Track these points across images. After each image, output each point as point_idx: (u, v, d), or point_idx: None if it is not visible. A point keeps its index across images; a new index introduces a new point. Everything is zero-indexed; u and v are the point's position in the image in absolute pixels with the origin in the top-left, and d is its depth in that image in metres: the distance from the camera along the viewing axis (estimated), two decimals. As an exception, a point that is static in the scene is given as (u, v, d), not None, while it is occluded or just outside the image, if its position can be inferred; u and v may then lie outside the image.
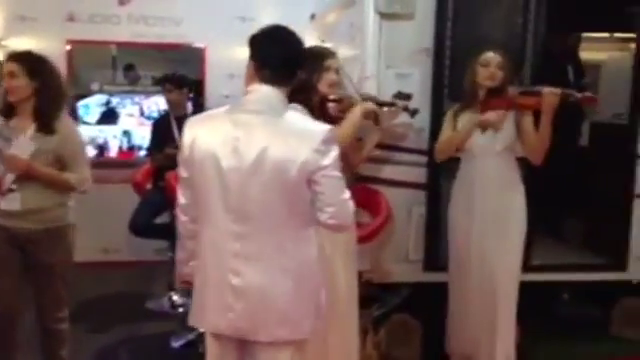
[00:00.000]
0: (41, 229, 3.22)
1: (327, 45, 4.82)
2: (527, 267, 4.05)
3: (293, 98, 3.07)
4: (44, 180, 3.20)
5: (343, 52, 4.30)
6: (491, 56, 3.43)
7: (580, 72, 5.26)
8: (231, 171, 2.19)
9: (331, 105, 3.25)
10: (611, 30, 5.27)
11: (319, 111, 3.15)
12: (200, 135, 2.26)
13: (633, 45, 4.31)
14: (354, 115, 3.14)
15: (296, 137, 2.19)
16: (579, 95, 3.43)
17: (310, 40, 5.28)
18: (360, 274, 3.93)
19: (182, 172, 2.36)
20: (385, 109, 3.53)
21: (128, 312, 4.92)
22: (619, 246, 4.29)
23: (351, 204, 2.29)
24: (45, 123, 3.18)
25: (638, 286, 4.35)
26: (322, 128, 2.25)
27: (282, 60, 2.27)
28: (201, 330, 3.87)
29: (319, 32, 5.58)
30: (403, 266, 4.09)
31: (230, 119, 2.25)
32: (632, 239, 4.26)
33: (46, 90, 3.19)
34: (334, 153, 2.21)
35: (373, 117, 3.24)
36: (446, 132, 3.61)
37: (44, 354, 3.46)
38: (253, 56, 2.29)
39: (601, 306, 4.55)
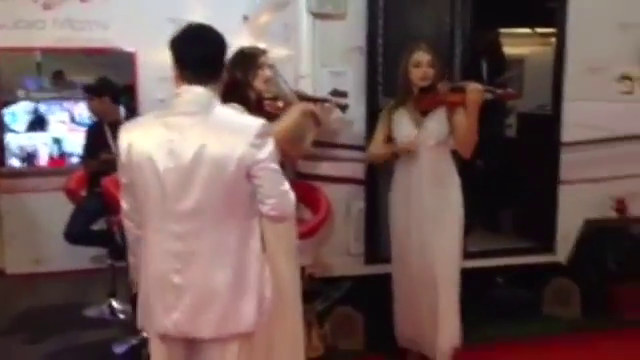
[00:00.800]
0: None
1: (260, 45, 4.88)
2: (464, 254, 4.25)
3: (230, 98, 3.15)
4: None
5: (277, 52, 4.37)
6: (422, 55, 3.56)
7: (502, 67, 5.45)
8: (168, 172, 2.20)
9: (267, 103, 3.32)
10: (534, 26, 5.50)
11: (256, 109, 3.21)
12: (135, 140, 2.26)
13: (554, 40, 4.53)
14: (293, 113, 3.23)
15: (231, 133, 2.22)
16: (499, 91, 3.64)
17: (243, 41, 5.36)
18: (302, 269, 4.03)
19: (122, 178, 2.35)
20: (318, 105, 3.62)
21: (65, 322, 4.80)
22: (547, 230, 4.50)
23: (291, 195, 2.33)
24: None
25: (566, 267, 4.58)
26: (256, 122, 2.28)
27: (202, 59, 2.29)
28: (144, 334, 3.89)
29: (252, 33, 5.62)
30: (344, 260, 4.17)
31: (162, 122, 2.26)
32: (558, 223, 4.47)
33: None
34: (270, 146, 2.25)
35: (313, 117, 3.31)
36: (378, 136, 3.73)
37: None
38: (174, 58, 2.30)
39: (533, 288, 4.76)
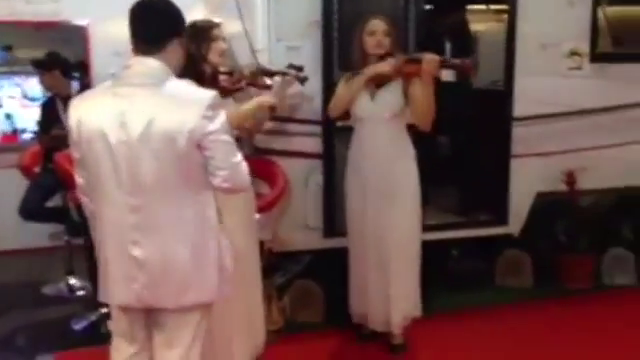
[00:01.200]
0: None
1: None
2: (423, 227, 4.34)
3: (184, 73, 3.13)
4: None
5: (233, 27, 4.35)
6: (377, 24, 3.55)
7: (468, 48, 5.31)
8: (120, 145, 2.19)
9: (222, 77, 3.31)
10: (487, 2, 5.55)
11: (211, 84, 3.20)
12: (85, 114, 2.25)
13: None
14: (250, 108, 3.27)
15: (182, 105, 2.22)
16: (457, 61, 3.62)
17: (199, 16, 5.30)
18: (261, 244, 4.06)
19: (74, 153, 2.35)
20: (278, 78, 3.63)
21: (23, 300, 4.78)
22: (500, 203, 4.61)
23: (244, 166, 2.34)
24: None
25: (517, 239, 4.71)
26: (207, 94, 2.27)
27: (147, 28, 2.29)
28: (103, 310, 3.89)
29: (208, 8, 5.56)
30: (303, 234, 4.21)
31: (113, 94, 2.25)
32: (511, 196, 4.59)
33: None
34: (221, 118, 2.25)
35: (271, 109, 3.34)
36: (340, 96, 3.70)
37: None
38: (130, 29, 2.30)
39: (486, 259, 4.90)
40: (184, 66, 3.12)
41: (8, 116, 5.93)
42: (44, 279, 5.03)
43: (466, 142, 5.02)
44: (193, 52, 3.17)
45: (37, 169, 4.90)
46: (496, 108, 4.62)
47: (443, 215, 4.76)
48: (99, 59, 5.68)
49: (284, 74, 3.65)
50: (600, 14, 4.52)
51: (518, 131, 4.51)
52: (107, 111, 2.21)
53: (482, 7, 5.83)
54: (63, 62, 4.81)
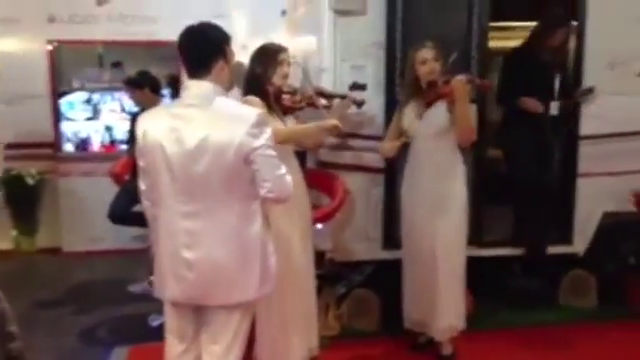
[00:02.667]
0: None
1: (297, 38, 5.16)
2: (479, 243, 4.40)
3: (249, 90, 3.43)
4: None
5: (309, 45, 4.63)
6: (427, 52, 3.73)
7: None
8: (176, 157, 2.47)
9: (285, 97, 3.56)
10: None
11: (275, 102, 3.47)
12: (149, 128, 2.56)
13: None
14: (311, 128, 3.50)
15: (230, 122, 2.48)
16: (477, 81, 3.82)
17: (282, 34, 5.67)
18: (323, 254, 4.29)
19: (140, 161, 2.65)
20: (335, 101, 3.84)
21: (111, 296, 5.23)
22: (565, 221, 4.60)
23: (288, 178, 2.56)
24: None
25: (583, 258, 4.66)
26: (253, 112, 2.53)
27: (193, 54, 2.55)
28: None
29: (289, 27, 5.89)
30: (364, 245, 4.39)
31: (171, 113, 2.55)
32: (576, 215, 4.57)
33: None
34: (266, 134, 2.49)
35: (334, 130, 3.52)
36: (391, 132, 3.95)
37: None
38: (180, 55, 2.58)
39: (551, 278, 4.85)
40: (249, 85, 3.46)
41: (107, 128, 6.51)
42: (132, 278, 5.44)
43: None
44: (259, 73, 3.45)
45: (127, 177, 5.34)
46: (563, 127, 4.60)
47: (508, 231, 4.77)
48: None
49: (342, 97, 3.86)
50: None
51: (585, 149, 4.49)
52: (165, 127, 2.51)
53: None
54: (152, 80, 5.21)
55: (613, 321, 4.52)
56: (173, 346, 2.72)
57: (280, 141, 3.05)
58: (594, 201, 4.55)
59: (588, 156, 4.50)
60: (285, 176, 2.56)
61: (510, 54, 4.67)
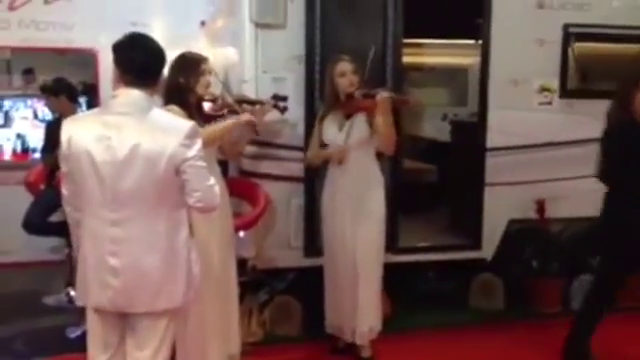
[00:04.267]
0: None
1: (217, 49, 5.21)
2: (395, 250, 4.60)
3: (171, 99, 3.46)
4: None
5: (229, 57, 4.70)
6: (345, 65, 3.90)
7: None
8: (105, 166, 2.49)
9: (206, 105, 3.62)
10: (459, 37, 5.86)
11: (196, 110, 3.52)
12: (75, 134, 2.55)
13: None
14: (229, 123, 3.53)
15: (163, 133, 2.52)
16: (402, 98, 4.09)
17: (200, 45, 5.68)
18: (245, 261, 4.36)
19: (63, 167, 2.64)
20: (257, 107, 3.93)
21: (25, 309, 5.08)
22: (474, 228, 4.87)
23: (216, 189, 2.64)
24: None
25: (490, 263, 4.96)
26: (186, 124, 2.59)
27: (144, 66, 2.58)
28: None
29: (208, 38, 5.93)
30: (286, 253, 4.50)
31: (101, 120, 2.55)
32: (484, 222, 4.85)
33: None
34: (197, 145, 2.56)
35: (251, 126, 3.62)
36: (314, 142, 4.09)
37: None
38: (117, 62, 2.59)
39: (460, 282, 5.12)
40: (171, 94, 3.50)
41: (20, 136, 6.31)
42: (47, 290, 5.32)
43: (444, 169, 5.29)
44: (181, 82, 3.48)
45: (42, 186, 5.22)
46: (472, 138, 4.89)
47: (422, 237, 5.01)
48: (107, 83, 6.07)
49: (261, 103, 3.96)
50: (569, 52, 4.79)
51: (491, 161, 4.78)
52: (95, 134, 2.51)
53: (471, 42, 6.16)
54: (69, 87, 5.14)
55: (519, 321, 4.83)
56: (97, 354, 2.71)
57: (207, 144, 3.09)
58: (500, 209, 4.84)
59: (494, 167, 4.79)
60: (214, 186, 2.63)
61: (614, 127, 3.89)
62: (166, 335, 2.69)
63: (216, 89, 3.85)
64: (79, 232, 2.70)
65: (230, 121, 3.55)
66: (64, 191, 2.71)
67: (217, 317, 3.54)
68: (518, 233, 4.92)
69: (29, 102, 6.30)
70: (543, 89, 4.83)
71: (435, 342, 4.46)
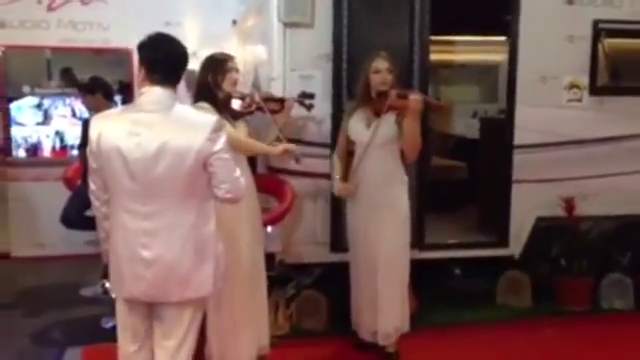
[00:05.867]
0: None
1: (247, 47, 5.32)
2: (422, 246, 4.63)
3: (200, 97, 3.58)
4: None
5: (261, 55, 4.80)
6: (381, 62, 3.92)
7: None
8: (136, 161, 2.58)
9: (235, 102, 3.72)
10: (490, 34, 5.84)
11: (224, 107, 3.63)
12: (105, 131, 2.65)
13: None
14: (264, 148, 3.81)
15: (190, 128, 2.62)
16: (434, 101, 4.08)
17: (232, 43, 5.81)
18: (273, 255, 4.45)
19: (92, 163, 2.74)
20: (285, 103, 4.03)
21: (62, 300, 5.26)
22: (501, 226, 4.86)
23: (242, 180, 2.75)
24: None
25: (518, 260, 4.94)
26: (211, 119, 2.69)
27: (167, 65, 2.68)
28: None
29: (239, 36, 6.04)
30: (312, 248, 4.58)
31: (130, 118, 2.66)
32: (512, 219, 4.84)
33: None
34: (223, 139, 2.65)
35: (289, 155, 3.79)
36: (341, 137, 4.15)
37: None
38: (143, 62, 2.69)
39: (488, 279, 5.12)
40: (200, 92, 3.62)
41: (58, 133, 6.51)
42: (83, 282, 5.48)
43: (473, 166, 5.29)
44: (209, 80, 3.61)
45: (79, 182, 5.37)
46: (500, 136, 4.89)
47: (449, 234, 5.04)
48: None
49: (281, 100, 4.04)
50: (599, 48, 4.75)
51: (519, 158, 4.77)
52: (124, 131, 2.61)
53: (501, 38, 6.12)
54: (105, 86, 5.28)
55: (546, 319, 4.81)
56: (126, 344, 2.82)
57: (237, 149, 3.25)
58: (528, 206, 4.83)
59: (522, 164, 4.78)
60: (240, 178, 2.73)
61: None
62: (192, 325, 2.78)
63: (246, 87, 3.96)
64: (107, 225, 2.81)
65: (267, 148, 3.77)
66: (91, 185, 2.80)
67: (247, 309, 3.64)
68: (546, 231, 4.89)
69: (67, 100, 6.48)
70: (572, 86, 4.79)
71: (461, 338, 4.46)
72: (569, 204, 4.79)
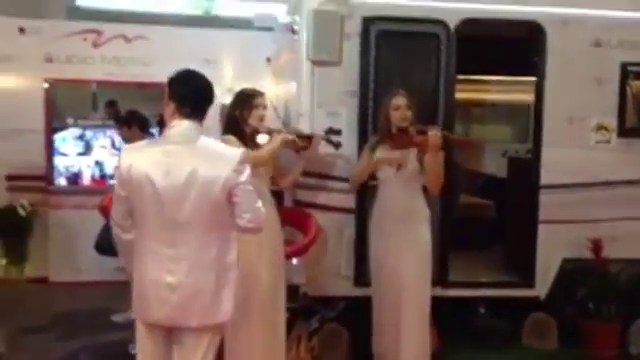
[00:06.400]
0: None
1: (280, 84, 5.48)
2: (445, 284, 4.64)
3: (228, 130, 3.72)
4: None
5: (292, 91, 4.95)
6: (400, 99, 4.03)
7: None
8: (165, 191, 2.71)
9: (261, 137, 3.84)
10: (521, 74, 5.87)
11: (251, 141, 3.75)
12: (136, 161, 2.79)
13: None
14: (274, 142, 3.78)
15: (218, 160, 2.76)
16: (455, 137, 4.14)
17: (267, 79, 6.00)
18: (297, 287, 4.51)
19: (120, 191, 2.86)
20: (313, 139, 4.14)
21: (94, 324, 5.42)
22: (527, 266, 4.83)
23: (263, 210, 2.85)
24: None
25: (544, 302, 4.89)
26: (237, 152, 2.83)
27: (197, 99, 2.83)
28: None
29: (273, 73, 6.24)
30: (336, 281, 4.63)
31: (160, 149, 2.80)
32: (537, 260, 4.81)
33: None
34: (247, 171, 2.78)
35: (292, 146, 3.81)
36: (361, 163, 4.22)
37: None
38: (173, 97, 2.83)
39: (513, 320, 5.04)
40: (229, 125, 3.75)
41: (98, 163, 6.78)
42: (115, 308, 5.57)
43: (501, 206, 5.28)
44: (236, 115, 3.75)
45: (114, 210, 5.55)
46: (527, 175, 4.89)
47: (475, 273, 5.03)
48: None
49: (311, 137, 4.15)
50: (627, 91, 4.75)
51: (545, 198, 4.76)
52: (155, 161, 2.75)
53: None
54: (141, 119, 5.52)
55: (572, 363, 4.74)
56: None
57: (257, 165, 3.38)
58: (554, 247, 4.80)
59: (548, 204, 4.76)
60: (262, 209, 2.85)
61: None
62: (209, 349, 2.86)
63: (275, 123, 4.09)
64: (127, 251, 2.93)
65: (274, 140, 3.79)
66: (114, 214, 2.93)
67: (263, 338, 3.70)
68: (573, 272, 4.83)
69: (108, 132, 6.77)
70: (600, 127, 4.79)
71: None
72: (596, 246, 4.73)
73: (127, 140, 5.37)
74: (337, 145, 4.29)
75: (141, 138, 5.22)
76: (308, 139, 4.10)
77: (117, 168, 2.87)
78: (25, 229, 6.40)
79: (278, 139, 3.79)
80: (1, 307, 5.16)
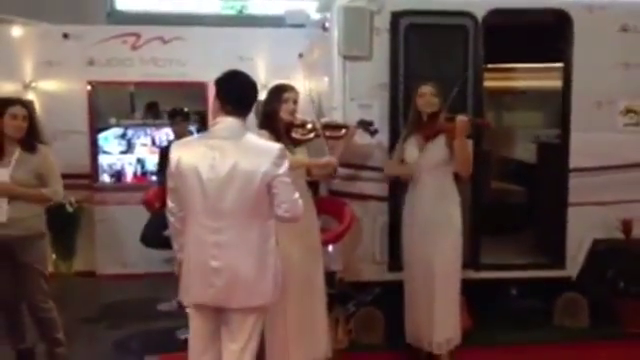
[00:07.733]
0: (23, 235, 3.98)
1: (312, 79, 5.65)
2: (477, 266, 4.79)
3: (263, 125, 3.90)
4: (22, 197, 4.00)
5: (324, 86, 5.14)
6: (425, 87, 4.20)
7: None
8: (210, 182, 2.94)
9: (295, 130, 4.02)
10: (539, 61, 5.96)
11: (285, 134, 3.92)
12: (184, 155, 3.02)
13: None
14: (309, 162, 4.01)
15: (258, 154, 2.98)
16: (479, 120, 4.32)
17: (300, 75, 6.16)
18: (334, 274, 4.71)
19: (170, 183, 3.11)
20: (343, 131, 4.31)
21: (142, 313, 5.71)
22: (558, 247, 4.96)
23: (300, 202, 3.06)
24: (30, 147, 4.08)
25: (575, 282, 5.00)
26: (276, 147, 3.04)
27: (241, 98, 3.06)
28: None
29: (305, 68, 6.42)
30: (371, 267, 4.82)
31: (206, 144, 3.03)
32: (568, 241, 4.93)
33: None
34: (285, 164, 3.00)
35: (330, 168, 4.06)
36: (395, 156, 4.43)
37: (43, 339, 4.27)
38: (218, 95, 3.07)
39: (545, 300, 5.20)
40: (262, 120, 3.95)
41: (139, 160, 7.06)
42: (161, 297, 5.88)
43: (531, 190, 5.40)
44: (269, 110, 3.91)
45: (157, 204, 5.80)
46: (556, 160, 5.01)
47: (506, 255, 5.16)
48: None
49: (347, 127, 4.33)
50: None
51: (574, 181, 4.87)
52: (201, 155, 2.98)
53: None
54: (187, 115, 5.80)
55: (603, 341, 4.85)
56: (197, 345, 3.15)
57: (293, 168, 3.45)
58: (584, 229, 4.91)
59: (578, 187, 4.87)
60: (299, 200, 3.06)
61: None
62: (254, 330, 3.09)
63: (310, 115, 4.26)
64: (181, 239, 3.16)
65: (312, 161, 4.02)
66: (169, 203, 3.17)
67: (299, 322, 3.88)
68: (603, 253, 4.94)
69: (148, 131, 7.06)
70: (629, 111, 4.88)
71: (517, 358, 4.57)
72: (626, 226, 4.83)
73: (178, 134, 5.60)
74: (373, 133, 4.46)
75: (187, 133, 5.52)
76: (342, 128, 4.28)
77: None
78: (73, 225, 6.70)
79: (311, 162, 4.02)
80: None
